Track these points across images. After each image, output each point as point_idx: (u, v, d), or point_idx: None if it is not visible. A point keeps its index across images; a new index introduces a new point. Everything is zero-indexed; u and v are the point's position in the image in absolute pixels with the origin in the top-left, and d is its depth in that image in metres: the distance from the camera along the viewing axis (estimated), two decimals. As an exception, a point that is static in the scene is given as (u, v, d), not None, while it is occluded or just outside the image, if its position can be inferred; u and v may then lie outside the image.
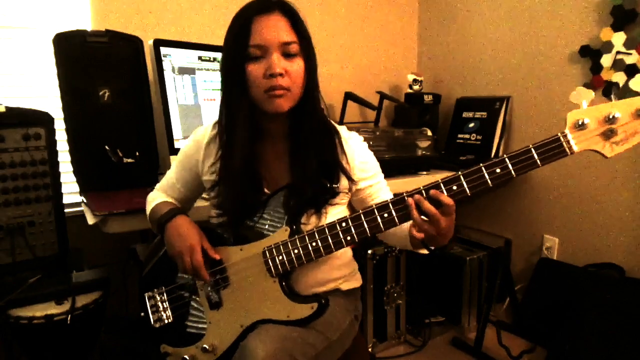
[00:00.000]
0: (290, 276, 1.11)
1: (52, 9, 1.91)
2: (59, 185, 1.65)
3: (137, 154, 1.74)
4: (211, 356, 1.12)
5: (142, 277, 1.24)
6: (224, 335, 1.11)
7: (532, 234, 2.36)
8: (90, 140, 1.69)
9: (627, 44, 1.90)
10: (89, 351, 1.62)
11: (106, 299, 1.58)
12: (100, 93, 1.69)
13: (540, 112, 2.26)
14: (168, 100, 1.71)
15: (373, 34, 2.76)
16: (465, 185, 0.93)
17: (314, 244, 1.04)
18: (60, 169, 1.65)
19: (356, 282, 1.30)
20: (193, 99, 1.80)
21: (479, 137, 2.44)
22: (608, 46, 1.95)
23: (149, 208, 1.27)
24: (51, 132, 1.61)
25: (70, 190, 1.82)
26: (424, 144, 2.12)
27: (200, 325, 1.15)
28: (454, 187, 0.94)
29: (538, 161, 0.88)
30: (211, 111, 1.83)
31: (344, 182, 1.13)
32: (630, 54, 1.89)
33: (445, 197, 0.93)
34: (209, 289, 1.14)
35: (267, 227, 1.11)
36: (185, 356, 1.14)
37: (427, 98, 2.56)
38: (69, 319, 1.44)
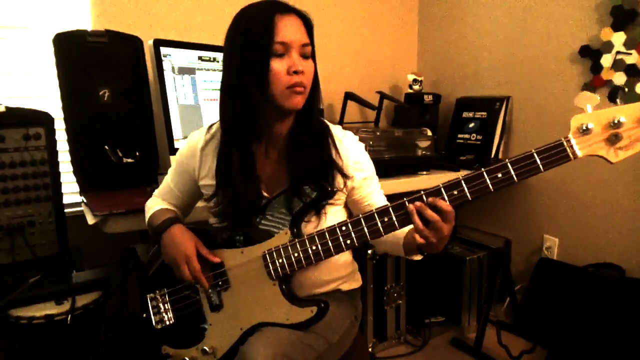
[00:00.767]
0: (291, 279, 1.11)
1: (52, 9, 1.90)
2: (59, 185, 1.65)
3: (137, 154, 1.74)
4: (211, 358, 1.12)
5: (145, 278, 1.24)
6: (224, 337, 1.11)
7: (532, 234, 2.36)
8: (90, 140, 1.69)
9: (627, 44, 1.89)
10: (89, 351, 1.62)
11: (106, 299, 1.59)
12: (100, 93, 1.69)
13: (540, 112, 2.26)
14: (168, 100, 1.71)
15: (373, 34, 2.76)
16: (467, 190, 0.93)
17: (314, 247, 1.04)
18: (60, 169, 1.65)
19: (356, 282, 1.30)
20: (193, 99, 1.80)
21: (479, 137, 2.44)
22: (608, 46, 1.95)
23: (147, 216, 1.27)
24: (51, 132, 1.61)
25: (70, 190, 1.82)
26: (424, 144, 2.12)
27: (201, 327, 1.15)
28: (455, 192, 0.94)
29: (541, 166, 0.87)
30: (211, 111, 1.83)
31: (339, 180, 1.13)
32: (630, 54, 1.89)
33: (444, 204, 0.93)
34: (210, 291, 1.14)
35: (268, 230, 1.11)
36: (186, 358, 1.15)
37: (427, 98, 2.56)
38: (69, 319, 1.44)
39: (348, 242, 1.02)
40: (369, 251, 2.04)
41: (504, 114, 2.36)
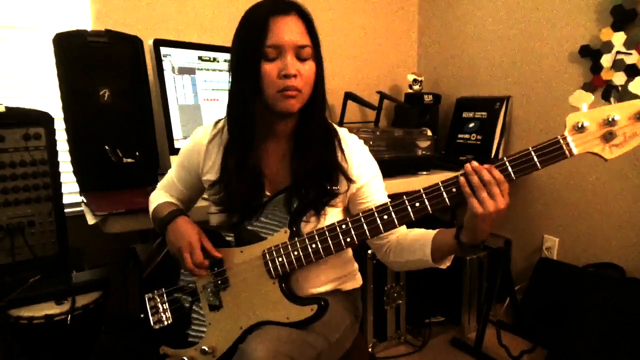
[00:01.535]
0: (290, 278, 1.11)
1: (52, 9, 1.91)
2: (59, 185, 1.65)
3: (137, 154, 1.74)
4: (210, 358, 1.12)
5: (143, 278, 1.24)
6: (224, 336, 1.11)
7: (532, 234, 2.36)
8: (90, 140, 1.69)
9: (627, 44, 1.90)
10: (89, 351, 1.62)
11: (106, 299, 1.59)
12: (100, 93, 1.69)
13: (540, 112, 2.26)
14: (168, 100, 1.71)
15: (373, 34, 2.76)
16: (465, 188, 0.93)
17: (313, 245, 1.04)
18: (60, 169, 1.66)
19: (356, 282, 1.30)
20: (193, 99, 1.80)
21: (479, 137, 2.44)
22: (608, 46, 1.95)
23: (151, 207, 1.27)
24: (51, 132, 1.61)
25: (70, 190, 1.82)
26: (424, 144, 2.12)
27: (199, 327, 1.15)
28: (454, 190, 0.94)
29: (538, 164, 0.88)
30: (211, 111, 1.83)
31: (343, 183, 1.13)
32: (631, 54, 1.89)
33: (498, 173, 0.90)
34: (209, 290, 1.14)
35: (267, 228, 1.11)
36: (185, 358, 1.14)
37: (427, 98, 2.57)
38: (69, 319, 1.45)
39: (348, 239, 1.02)
40: (369, 251, 2.04)
41: (504, 114, 2.36)
